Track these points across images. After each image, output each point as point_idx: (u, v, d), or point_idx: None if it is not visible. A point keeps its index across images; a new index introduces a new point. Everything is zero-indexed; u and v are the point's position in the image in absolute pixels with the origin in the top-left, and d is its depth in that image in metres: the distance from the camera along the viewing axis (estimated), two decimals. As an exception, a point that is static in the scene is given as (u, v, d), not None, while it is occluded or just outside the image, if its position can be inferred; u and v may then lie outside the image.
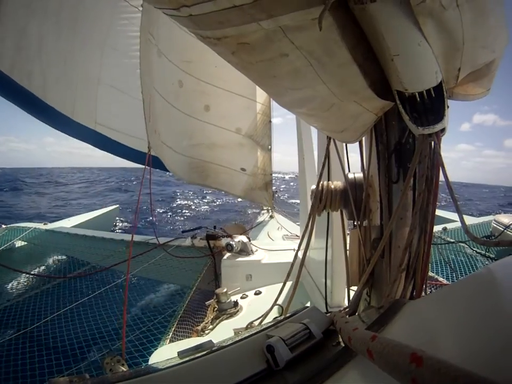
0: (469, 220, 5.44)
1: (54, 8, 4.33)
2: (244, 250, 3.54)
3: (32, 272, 4.49)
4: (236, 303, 2.80)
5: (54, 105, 4.71)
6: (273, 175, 6.39)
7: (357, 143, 1.46)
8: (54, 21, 4.37)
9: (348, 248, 1.63)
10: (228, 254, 3.57)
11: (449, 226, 4.97)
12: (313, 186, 1.61)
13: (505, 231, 4.29)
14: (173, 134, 5.08)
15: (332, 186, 1.56)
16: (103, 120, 5.27)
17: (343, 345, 0.66)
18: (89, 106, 5.16)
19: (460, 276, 3.51)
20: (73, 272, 4.64)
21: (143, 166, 3.75)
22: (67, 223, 6.64)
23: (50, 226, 6.11)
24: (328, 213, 2.03)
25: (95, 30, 4.87)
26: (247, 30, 0.62)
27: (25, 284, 4.41)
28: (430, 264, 1.16)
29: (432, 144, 1.01)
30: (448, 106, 0.88)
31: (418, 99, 0.83)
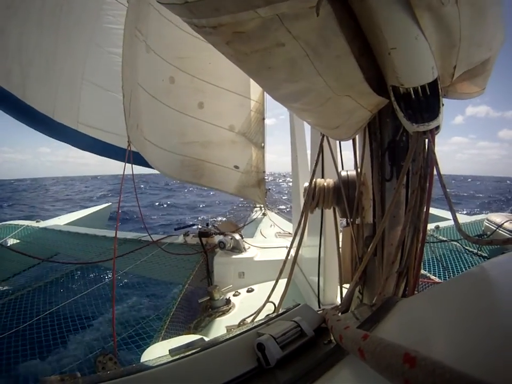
0: (462, 219, 5.48)
1: (37, 7, 4.24)
2: (237, 247, 3.54)
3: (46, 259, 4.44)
4: (228, 301, 2.80)
5: (33, 105, 4.60)
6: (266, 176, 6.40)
7: (350, 141, 1.46)
8: (36, 19, 4.27)
9: (340, 245, 1.63)
10: (220, 251, 3.57)
11: (441, 224, 5.00)
12: (306, 184, 1.60)
13: (498, 230, 4.33)
14: (160, 131, 5.01)
15: (325, 184, 1.56)
16: (86, 119, 5.17)
17: (335, 343, 0.65)
18: (71, 106, 5.05)
19: (452, 274, 3.53)
20: (66, 270, 4.63)
21: (128, 164, 3.69)
22: (60, 221, 6.60)
23: (42, 224, 6.08)
24: (322, 211, 2.03)
25: (80, 27, 4.77)
26: (244, 17, 0.61)
27: (16, 282, 4.38)
28: (422, 262, 1.16)
29: (426, 142, 1.01)
30: (443, 104, 0.87)
31: (413, 96, 0.82)
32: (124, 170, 3.58)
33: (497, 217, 4.63)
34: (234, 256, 3.47)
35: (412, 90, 0.81)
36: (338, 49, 0.70)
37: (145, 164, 5.20)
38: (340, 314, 0.89)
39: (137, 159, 4.46)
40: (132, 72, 3.99)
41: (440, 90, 0.83)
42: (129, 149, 3.73)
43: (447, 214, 5.74)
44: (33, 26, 4.28)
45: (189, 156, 5.46)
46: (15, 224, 5.83)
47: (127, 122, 3.80)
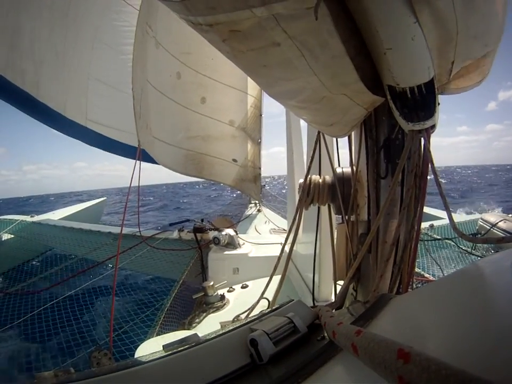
0: (456, 218, 5.51)
1: (47, 3, 4.20)
2: (231, 243, 3.54)
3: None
4: (222, 297, 2.80)
5: (47, 102, 4.59)
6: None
7: (346, 138, 1.46)
8: (46, 16, 4.24)
9: (335, 242, 1.63)
10: (214, 247, 3.57)
11: (436, 223, 5.04)
12: (301, 180, 1.60)
13: (492, 229, 4.37)
14: (167, 127, 5.05)
15: (320, 181, 1.56)
16: (94, 116, 5.16)
17: (328, 339, 0.65)
18: (79, 102, 5.05)
19: (445, 273, 3.56)
20: (61, 265, 4.60)
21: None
22: (54, 216, 6.57)
23: (37, 218, 6.05)
24: (319, 208, 2.03)
25: (86, 24, 4.75)
26: (240, 16, 0.61)
27: (11, 278, 4.36)
28: (416, 260, 1.17)
29: (422, 140, 1.01)
30: (439, 103, 0.87)
31: (409, 95, 0.82)
32: (134, 167, 3.58)
33: (491, 217, 4.69)
34: (228, 252, 3.47)
35: (407, 90, 0.81)
36: (334, 50, 0.69)
37: (152, 160, 5.24)
38: (333, 311, 0.89)
39: (145, 157, 4.52)
40: (142, 70, 4.02)
41: (436, 90, 0.83)
42: (139, 150, 3.75)
43: (441, 213, 5.77)
44: (43, 22, 4.26)
45: (192, 150, 5.55)
46: (9, 219, 5.80)
47: (137, 124, 3.83)
